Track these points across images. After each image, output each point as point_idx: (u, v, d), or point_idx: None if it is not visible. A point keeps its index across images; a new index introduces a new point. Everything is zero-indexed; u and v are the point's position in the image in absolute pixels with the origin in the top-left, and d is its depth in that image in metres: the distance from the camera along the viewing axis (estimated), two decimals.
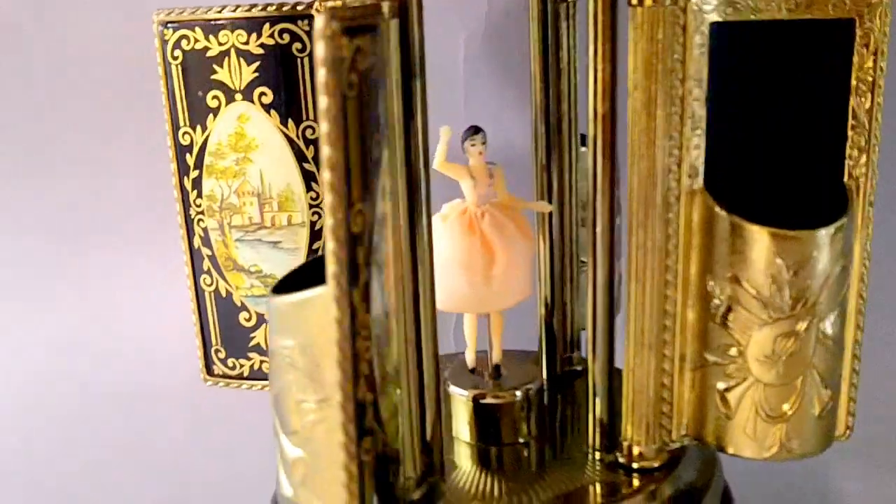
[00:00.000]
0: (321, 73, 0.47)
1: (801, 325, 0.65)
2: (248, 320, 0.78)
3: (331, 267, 0.51)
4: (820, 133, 0.68)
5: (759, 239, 0.65)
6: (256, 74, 0.71)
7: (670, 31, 0.63)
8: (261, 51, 0.70)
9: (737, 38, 0.66)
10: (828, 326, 0.67)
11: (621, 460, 0.72)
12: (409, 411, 0.65)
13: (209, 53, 0.71)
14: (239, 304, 0.78)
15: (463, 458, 0.76)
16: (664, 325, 0.69)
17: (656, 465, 0.72)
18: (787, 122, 0.68)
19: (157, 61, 0.73)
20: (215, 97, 0.71)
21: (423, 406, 0.69)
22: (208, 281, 0.78)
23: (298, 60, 0.71)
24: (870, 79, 0.67)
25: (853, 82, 0.67)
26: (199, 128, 0.72)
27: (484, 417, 0.76)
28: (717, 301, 0.67)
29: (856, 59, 0.67)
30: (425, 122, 0.68)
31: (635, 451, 0.72)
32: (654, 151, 0.65)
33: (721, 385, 0.69)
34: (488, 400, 0.76)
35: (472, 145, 0.71)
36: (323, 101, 0.48)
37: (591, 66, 0.68)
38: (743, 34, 0.66)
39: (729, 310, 0.67)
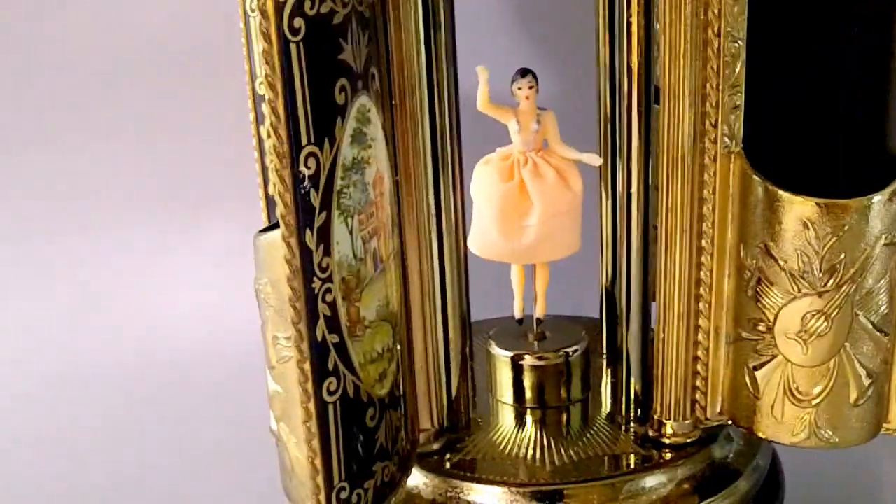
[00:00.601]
0: (256, 18, 0.48)
1: (834, 303, 0.60)
2: None
3: (278, 207, 0.52)
4: (867, 94, 0.62)
5: (790, 206, 0.61)
6: (367, 49, 0.55)
7: None
8: (368, 12, 0.55)
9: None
10: (869, 306, 0.61)
11: (651, 434, 0.69)
12: (415, 362, 0.66)
13: (335, 20, 0.52)
14: None
15: (497, 418, 0.75)
16: (698, 295, 0.66)
17: (687, 441, 0.69)
18: (835, 85, 0.62)
19: (272, 41, 0.48)
20: (342, 88, 0.53)
21: (448, 361, 0.70)
22: None
23: (378, 23, 0.58)
24: None
25: None
26: (326, 142, 0.52)
27: (522, 379, 0.75)
28: (748, 272, 0.63)
29: None
30: (453, 75, 0.68)
31: (666, 427, 0.69)
32: (682, 108, 0.62)
33: (751, 362, 0.64)
34: (527, 361, 0.74)
35: (519, 88, 0.69)
36: (260, 45, 0.49)
37: (622, 17, 0.65)
38: None
39: (759, 282, 0.62)
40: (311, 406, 0.55)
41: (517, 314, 0.76)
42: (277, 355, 0.57)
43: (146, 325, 1.10)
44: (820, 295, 0.60)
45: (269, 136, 0.50)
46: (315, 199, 0.52)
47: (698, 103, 0.62)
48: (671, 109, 0.62)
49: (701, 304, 0.66)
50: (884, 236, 0.60)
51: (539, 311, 0.75)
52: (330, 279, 0.54)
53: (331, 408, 0.56)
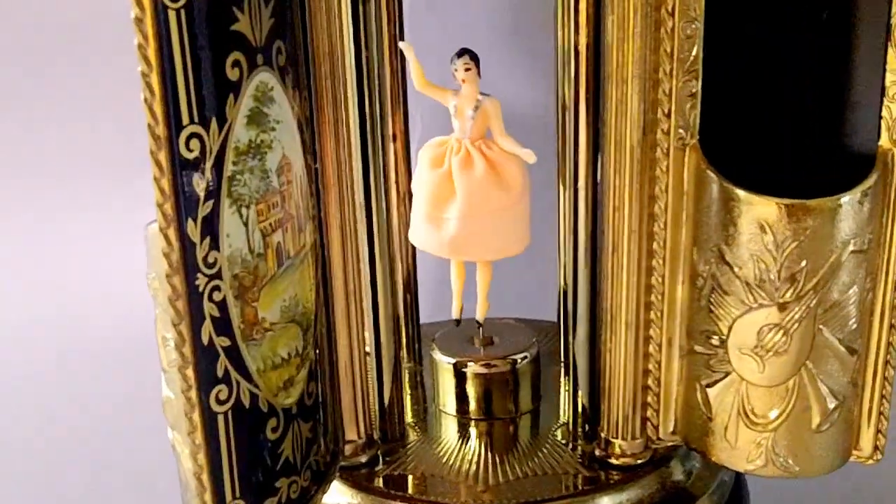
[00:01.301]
0: None
1: (794, 316, 0.54)
2: None
3: (155, 195, 0.46)
4: (845, 85, 0.55)
5: (747, 207, 0.54)
6: (273, 20, 0.50)
7: None
8: None
9: None
10: (834, 320, 0.55)
11: (598, 454, 0.63)
12: (338, 367, 0.62)
13: None
14: None
15: (437, 429, 0.69)
16: (648, 302, 0.59)
17: (637, 462, 0.62)
18: (802, 70, 0.56)
19: (144, 6, 0.42)
20: (236, 63, 0.48)
21: (380, 365, 0.64)
22: None
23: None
24: None
25: (893, 21, 0.53)
26: (214, 122, 0.47)
27: (466, 388, 0.69)
28: (701, 279, 0.57)
29: None
30: (383, 52, 0.62)
31: (614, 445, 0.62)
32: (630, 94, 0.56)
33: (703, 379, 0.58)
34: (471, 369, 0.68)
35: (455, 70, 0.63)
36: (132, 11, 0.43)
37: None
38: None
39: (713, 290, 0.56)
40: (196, 416, 0.49)
41: (454, 314, 0.70)
42: (167, 357, 0.51)
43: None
44: (778, 307, 0.54)
45: (146, 111, 0.44)
46: (199, 186, 0.46)
47: (649, 90, 0.56)
48: (618, 97, 0.56)
49: (652, 313, 0.60)
50: (852, 242, 0.53)
51: (479, 314, 0.69)
52: (218, 276, 0.48)
53: (221, 418, 0.50)
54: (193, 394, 0.49)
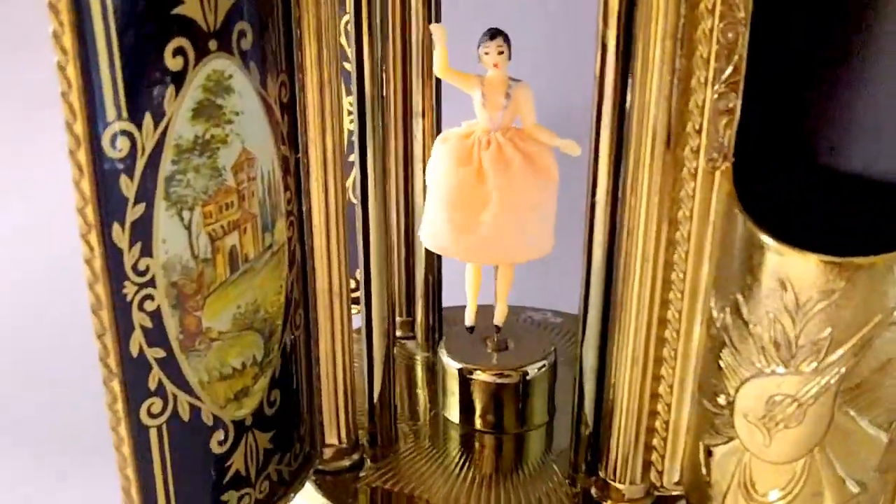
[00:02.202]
0: None
1: (810, 389, 0.46)
2: None
3: (75, 198, 0.42)
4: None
5: (769, 255, 0.46)
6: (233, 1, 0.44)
7: None
8: None
9: None
10: (861, 399, 0.47)
11: (595, 494, 0.57)
12: (319, 369, 0.57)
13: None
14: None
15: (434, 438, 0.64)
16: (662, 338, 0.52)
17: None
18: (866, 95, 0.46)
19: None
20: (179, 50, 0.43)
21: (371, 366, 0.60)
22: None
23: None
24: None
25: None
26: (147, 117, 0.42)
27: (471, 396, 0.64)
28: (715, 328, 0.49)
29: None
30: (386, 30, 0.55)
31: (612, 489, 0.56)
32: (652, 99, 0.48)
33: (707, 439, 0.51)
34: (478, 377, 0.63)
35: (486, 52, 0.56)
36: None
37: None
38: None
39: (724, 343, 0.48)
40: (123, 429, 0.45)
41: (468, 321, 0.64)
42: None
43: None
44: (794, 376, 0.46)
45: (65, 108, 0.39)
46: (128, 188, 0.41)
47: (678, 99, 0.47)
48: (642, 103, 0.48)
49: (665, 350, 0.53)
50: (890, 310, 0.44)
51: (498, 318, 0.63)
52: (151, 283, 0.43)
53: (153, 432, 0.46)
54: (120, 407, 0.45)
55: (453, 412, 0.64)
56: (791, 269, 0.45)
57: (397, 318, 0.73)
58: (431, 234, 0.59)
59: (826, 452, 0.47)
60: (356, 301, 0.59)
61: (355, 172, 0.55)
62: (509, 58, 0.56)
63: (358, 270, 0.58)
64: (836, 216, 0.48)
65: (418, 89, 0.65)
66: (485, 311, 0.64)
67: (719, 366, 0.49)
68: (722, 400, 0.49)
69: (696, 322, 0.51)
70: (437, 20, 0.63)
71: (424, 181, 0.65)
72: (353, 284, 0.60)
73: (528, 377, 0.62)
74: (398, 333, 0.73)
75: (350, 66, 0.54)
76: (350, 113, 0.56)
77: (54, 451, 0.78)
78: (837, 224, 0.47)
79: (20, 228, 1.03)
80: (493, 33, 0.55)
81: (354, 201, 0.57)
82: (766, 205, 0.47)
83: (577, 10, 0.65)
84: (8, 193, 1.05)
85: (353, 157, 0.55)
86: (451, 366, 0.63)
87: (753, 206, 0.48)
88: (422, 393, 0.68)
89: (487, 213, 0.56)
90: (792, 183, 0.49)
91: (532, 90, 0.57)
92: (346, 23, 0.55)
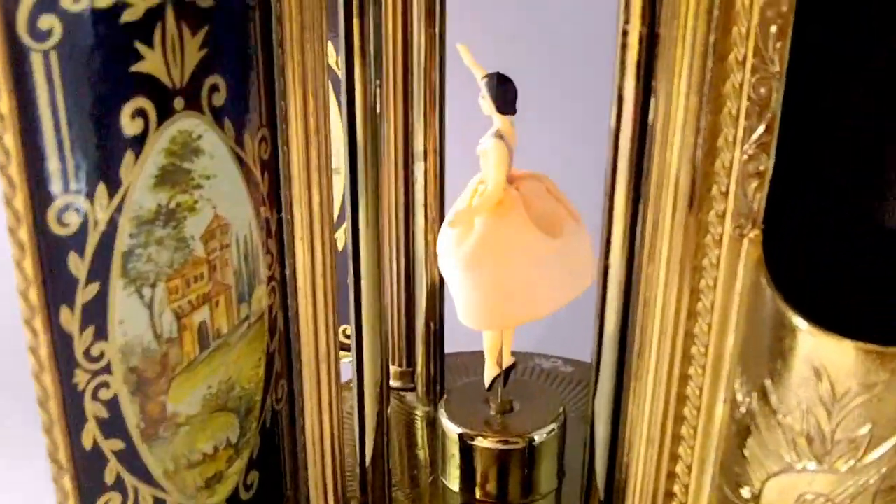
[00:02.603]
0: None
1: (846, 489, 0.41)
2: None
3: (17, 279, 0.37)
4: None
5: (802, 339, 0.41)
6: (205, 51, 0.40)
7: None
8: (211, 2, 0.40)
9: (843, 7, 0.40)
10: None
11: None
12: (305, 436, 0.52)
13: (127, 16, 0.36)
14: None
15: None
16: (680, 416, 0.47)
17: None
18: None
19: None
20: (139, 112, 0.39)
21: (362, 429, 0.55)
22: None
23: (251, 13, 0.43)
24: None
25: None
26: (100, 188, 0.37)
27: (473, 462, 0.59)
28: (740, 413, 0.44)
29: None
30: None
31: None
32: (674, 158, 0.43)
33: None
34: (480, 443, 0.58)
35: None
36: None
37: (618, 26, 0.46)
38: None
39: (749, 430, 0.43)
40: None
41: (487, 379, 0.59)
42: None
43: None
44: (827, 474, 0.40)
45: (4, 181, 0.35)
46: (78, 267, 0.36)
47: (702, 159, 0.42)
48: (662, 162, 0.43)
49: (684, 428, 0.47)
50: None
51: (506, 360, 0.58)
52: (106, 370, 0.39)
53: None
54: None
55: (454, 480, 0.59)
56: (827, 357, 0.40)
57: (396, 369, 0.68)
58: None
59: None
60: (346, 348, 0.54)
61: (347, 221, 0.50)
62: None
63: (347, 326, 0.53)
64: (881, 296, 0.42)
65: (420, 129, 0.60)
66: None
67: (743, 455, 0.43)
68: (746, 493, 0.44)
69: (719, 400, 0.46)
70: (442, 47, 0.58)
71: (427, 226, 0.61)
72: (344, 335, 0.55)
73: (534, 443, 0.57)
74: (398, 384, 0.68)
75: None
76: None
77: None
78: (882, 306, 0.42)
79: None
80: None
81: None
82: (800, 281, 0.42)
83: (594, 59, 0.59)
84: None
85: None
86: (452, 430, 0.58)
87: (786, 280, 0.42)
88: (421, 453, 0.63)
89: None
90: (830, 257, 0.43)
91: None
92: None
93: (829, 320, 0.40)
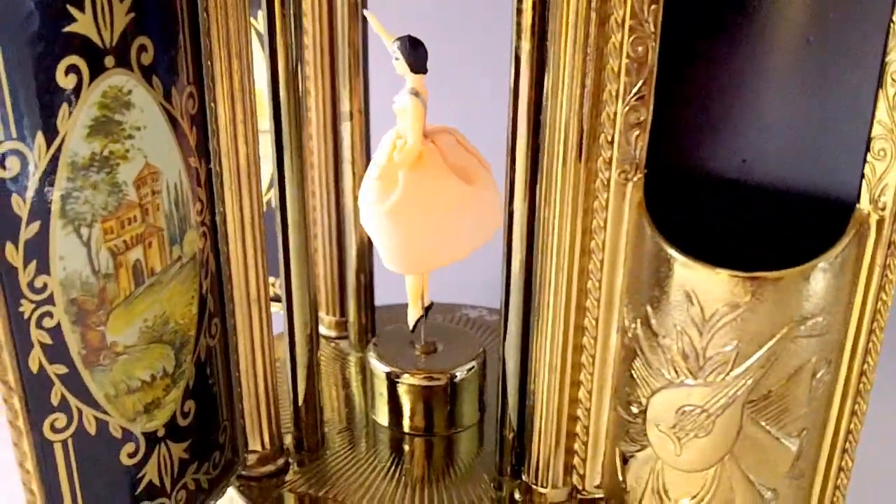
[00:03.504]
0: None
1: (717, 399, 0.46)
2: None
3: None
4: (820, 133, 0.46)
5: (676, 268, 0.46)
6: (132, 15, 0.45)
7: None
8: None
9: None
10: (770, 409, 0.47)
11: (518, 498, 0.57)
12: (240, 378, 0.57)
13: None
14: None
15: (362, 441, 0.64)
16: (579, 344, 0.52)
17: None
18: (772, 109, 0.46)
19: None
20: (72, 68, 0.43)
21: (294, 372, 0.59)
22: None
23: None
24: None
25: (887, 65, 0.43)
26: (39, 136, 0.42)
27: (399, 399, 0.63)
28: (628, 338, 0.49)
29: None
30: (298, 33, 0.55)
31: (535, 493, 0.56)
32: (562, 112, 0.48)
33: (622, 446, 0.51)
34: (405, 380, 0.63)
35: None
36: None
37: None
38: None
39: (635, 354, 0.48)
40: (26, 445, 0.45)
41: (412, 319, 0.64)
42: None
43: None
44: (702, 387, 0.46)
45: None
46: (21, 207, 0.41)
47: (589, 111, 0.47)
48: (554, 116, 0.48)
49: (584, 356, 0.53)
50: (804, 324, 0.45)
51: (426, 301, 0.62)
52: (49, 301, 0.43)
53: (58, 446, 0.46)
54: (21, 423, 0.45)
55: (382, 415, 0.64)
56: (697, 283, 0.45)
57: (331, 318, 0.73)
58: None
59: (736, 461, 0.47)
60: (277, 299, 0.58)
61: (273, 176, 0.55)
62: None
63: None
64: (746, 229, 0.47)
65: (346, 89, 0.64)
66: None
67: (632, 375, 0.49)
68: (635, 409, 0.49)
69: (613, 329, 0.51)
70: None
71: (354, 183, 0.65)
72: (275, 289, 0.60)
73: (456, 380, 0.62)
74: (333, 334, 0.73)
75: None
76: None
77: None
78: (746, 237, 0.47)
79: None
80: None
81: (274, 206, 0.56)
82: (677, 217, 0.47)
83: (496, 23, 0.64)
84: None
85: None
86: (380, 369, 0.63)
87: (665, 218, 0.47)
88: (355, 394, 0.68)
89: None
90: (703, 195, 0.48)
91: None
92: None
93: (702, 251, 0.46)
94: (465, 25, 0.86)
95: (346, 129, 0.65)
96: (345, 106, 0.65)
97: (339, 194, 0.67)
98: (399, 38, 0.54)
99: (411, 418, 0.63)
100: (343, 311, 0.72)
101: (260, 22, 0.53)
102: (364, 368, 0.70)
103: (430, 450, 0.63)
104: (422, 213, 0.57)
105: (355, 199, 0.65)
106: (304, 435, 0.61)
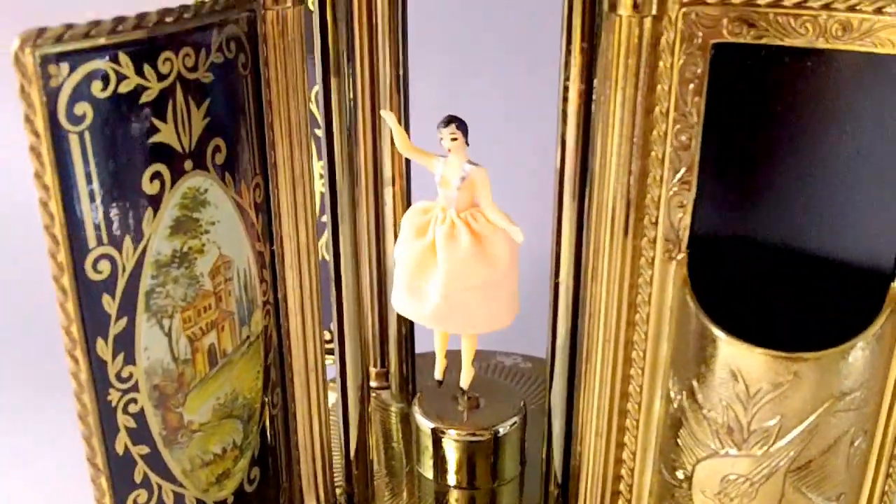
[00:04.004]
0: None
1: (761, 469, 0.49)
2: None
3: (60, 319, 0.44)
4: (858, 212, 0.49)
5: (721, 346, 0.49)
6: (207, 120, 0.47)
7: (650, 47, 0.47)
8: (210, 77, 0.46)
9: (748, 67, 0.48)
10: (811, 476, 0.50)
11: None
12: (298, 441, 0.60)
13: (144, 98, 0.43)
14: None
15: (410, 494, 0.67)
16: (624, 410, 0.55)
17: None
18: (811, 191, 0.49)
19: (39, 134, 0.39)
20: (156, 175, 0.46)
21: (346, 432, 0.62)
22: None
23: (244, 81, 0.50)
24: None
25: None
26: (127, 240, 0.44)
27: (444, 453, 0.66)
28: (673, 408, 0.52)
29: None
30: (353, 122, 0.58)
31: None
32: (606, 191, 0.51)
33: None
34: (449, 437, 0.65)
35: (441, 138, 0.59)
36: (28, 138, 0.40)
37: (560, 84, 0.53)
38: (759, 62, 0.48)
39: (680, 423, 0.51)
40: None
41: (437, 375, 0.67)
42: None
43: None
44: (745, 458, 0.49)
45: (49, 240, 0.42)
46: (110, 306, 0.44)
47: (635, 195, 0.50)
48: (601, 198, 0.51)
49: (628, 421, 0.56)
50: (842, 398, 0.48)
51: (464, 381, 0.66)
52: (135, 389, 0.46)
53: None
54: (107, 501, 0.47)
55: (427, 469, 0.67)
56: (741, 361, 0.48)
57: (373, 370, 0.76)
58: (395, 298, 0.62)
59: None
60: (331, 352, 0.61)
61: (327, 235, 0.57)
62: (466, 143, 0.58)
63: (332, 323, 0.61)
64: (788, 305, 0.50)
65: (388, 157, 0.67)
66: (456, 359, 0.67)
67: (677, 443, 0.52)
68: (680, 475, 0.52)
69: (656, 397, 0.54)
70: (405, 95, 0.65)
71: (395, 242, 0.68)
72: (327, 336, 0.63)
73: (499, 435, 0.65)
74: (374, 384, 0.76)
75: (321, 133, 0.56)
76: (322, 176, 0.58)
77: None
78: (788, 313, 0.50)
79: None
80: (448, 120, 0.58)
81: (327, 258, 0.59)
82: (722, 294, 0.50)
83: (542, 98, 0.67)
84: None
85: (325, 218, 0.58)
86: (425, 425, 0.66)
87: (710, 294, 0.50)
88: (397, 446, 0.71)
89: (433, 285, 0.59)
90: (746, 272, 0.51)
91: (488, 174, 0.59)
92: (317, 93, 0.57)
93: (746, 328, 0.48)
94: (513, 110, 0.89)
95: (388, 192, 0.68)
96: (387, 172, 0.68)
97: (381, 253, 0.70)
98: (451, 119, 0.57)
99: (456, 472, 0.66)
100: (384, 362, 0.75)
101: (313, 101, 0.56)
102: (405, 418, 0.73)
103: (474, 503, 0.65)
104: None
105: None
106: (356, 489, 0.64)
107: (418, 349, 0.76)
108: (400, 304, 0.61)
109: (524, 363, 0.79)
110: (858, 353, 0.47)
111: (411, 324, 0.74)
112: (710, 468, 0.50)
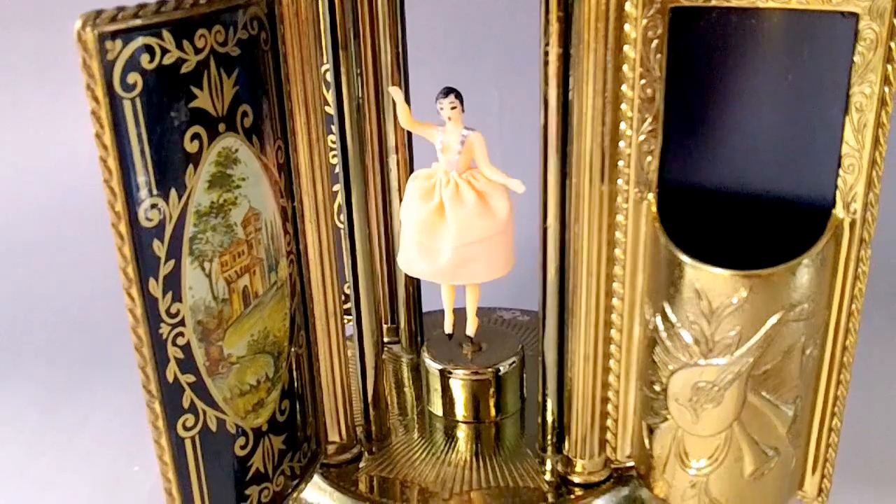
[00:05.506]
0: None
1: (725, 376, 0.57)
2: None
3: (118, 259, 0.52)
4: (800, 151, 0.56)
5: (687, 270, 0.57)
6: (236, 88, 0.54)
7: (616, 13, 0.55)
8: (237, 51, 0.53)
9: (701, 27, 0.56)
10: (769, 382, 0.57)
11: (561, 470, 0.68)
12: (321, 380, 0.67)
13: (184, 69, 0.51)
14: None
15: (421, 430, 0.75)
16: (608, 337, 0.63)
17: (596, 479, 0.67)
18: (760, 133, 0.57)
19: (99, 100, 0.46)
20: (195, 136, 0.53)
21: (364, 373, 0.70)
22: None
23: (265, 56, 0.56)
24: (870, 91, 0.53)
25: (850, 97, 0.54)
26: (173, 192, 0.51)
27: (451, 392, 0.74)
28: (650, 328, 0.60)
29: (857, 61, 0.54)
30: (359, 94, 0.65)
31: (575, 464, 0.67)
32: (584, 141, 0.58)
33: (648, 419, 0.62)
34: (456, 376, 0.73)
35: (441, 108, 0.66)
36: (89, 104, 0.48)
37: (542, 46, 0.61)
38: (710, 22, 0.56)
39: (655, 342, 0.59)
40: (164, 441, 0.55)
41: (447, 329, 0.74)
42: None
43: None
44: (711, 366, 0.56)
45: (105, 189, 0.49)
46: (160, 250, 0.51)
47: (608, 143, 0.58)
48: (580, 148, 0.59)
49: (612, 347, 0.63)
50: (792, 310, 0.55)
51: (470, 329, 0.73)
52: (182, 324, 0.54)
53: (188, 442, 0.56)
54: (161, 423, 0.55)
55: (437, 407, 0.74)
56: (705, 282, 0.56)
57: (384, 326, 0.83)
58: (404, 259, 0.69)
59: (743, 426, 0.58)
60: (348, 312, 0.69)
61: (341, 201, 0.65)
62: (462, 111, 0.66)
63: (347, 285, 0.68)
64: (743, 232, 0.58)
65: (391, 128, 0.75)
66: (462, 316, 0.75)
67: (653, 360, 0.59)
68: (657, 387, 0.59)
69: (636, 324, 0.62)
70: (405, 72, 0.73)
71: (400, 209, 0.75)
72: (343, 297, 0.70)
73: (500, 374, 0.73)
74: (385, 339, 0.83)
75: (331, 110, 0.64)
76: (333, 149, 0.66)
77: None
78: (743, 239, 0.57)
79: None
80: (447, 92, 0.65)
81: (340, 226, 0.67)
82: (686, 226, 0.58)
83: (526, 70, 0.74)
84: None
85: (338, 188, 0.65)
86: (434, 367, 0.73)
87: (676, 227, 0.58)
88: (408, 391, 0.78)
89: (445, 242, 0.67)
90: (707, 207, 0.59)
91: (483, 137, 0.67)
92: (326, 71, 0.65)
93: (708, 254, 0.56)
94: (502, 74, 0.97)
95: (392, 160, 0.76)
96: (391, 141, 0.75)
97: (388, 218, 0.78)
98: (450, 90, 0.65)
99: (463, 408, 0.74)
100: (394, 319, 0.83)
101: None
102: (415, 369, 0.81)
103: (480, 434, 0.73)
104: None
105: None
106: (374, 426, 0.72)
107: (425, 307, 0.83)
108: (410, 263, 0.69)
109: (522, 316, 0.86)
110: (804, 270, 0.55)
111: (418, 283, 0.81)
112: (683, 379, 0.58)
